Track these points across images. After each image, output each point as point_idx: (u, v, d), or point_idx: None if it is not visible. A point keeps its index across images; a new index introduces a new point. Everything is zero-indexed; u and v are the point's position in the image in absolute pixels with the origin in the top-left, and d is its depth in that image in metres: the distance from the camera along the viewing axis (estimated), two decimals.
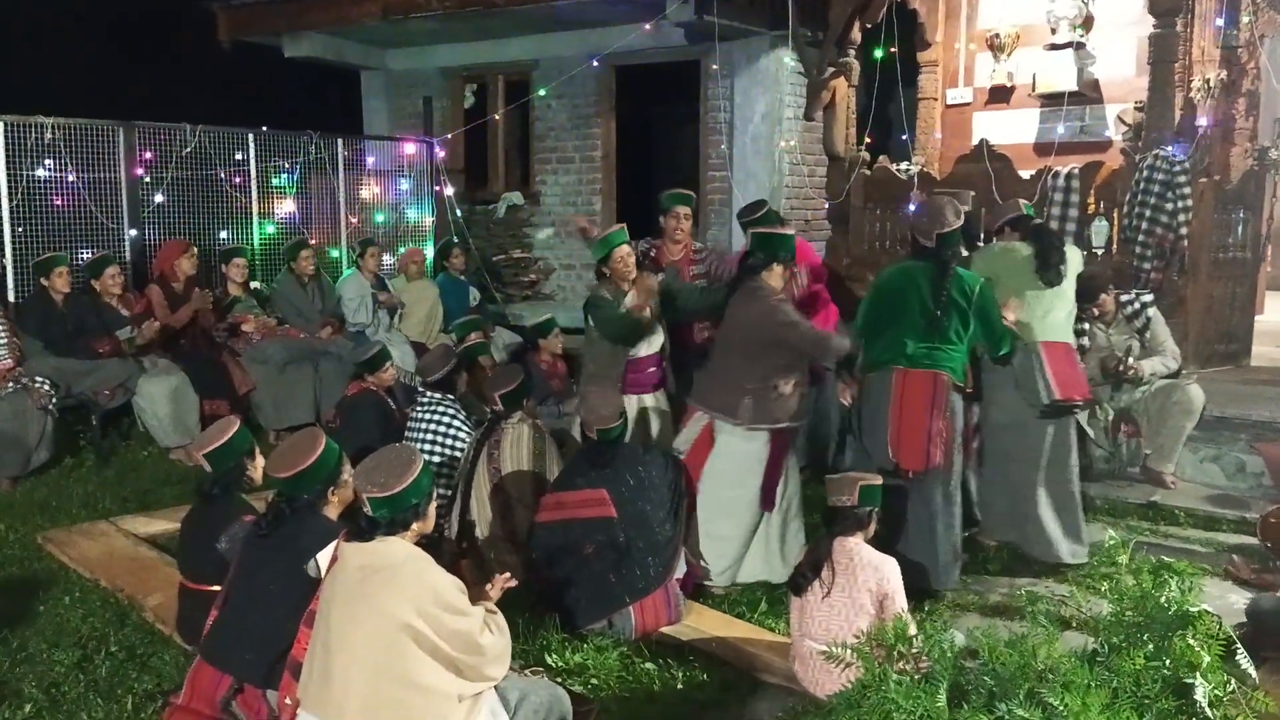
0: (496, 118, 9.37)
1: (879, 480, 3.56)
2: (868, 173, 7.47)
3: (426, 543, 2.72)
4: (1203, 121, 6.62)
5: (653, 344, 4.54)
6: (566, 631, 3.85)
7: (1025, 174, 6.96)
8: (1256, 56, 7.56)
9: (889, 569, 3.34)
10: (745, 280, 4.21)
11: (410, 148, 8.79)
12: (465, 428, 4.78)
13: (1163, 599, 2.63)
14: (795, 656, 3.47)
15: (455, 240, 8.19)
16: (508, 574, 2.88)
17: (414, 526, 2.66)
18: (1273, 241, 8.86)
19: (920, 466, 4.16)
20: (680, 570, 4.00)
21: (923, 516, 4.22)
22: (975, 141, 7.33)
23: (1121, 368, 5.51)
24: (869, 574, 3.33)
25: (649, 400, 4.61)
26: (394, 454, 2.71)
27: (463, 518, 4.36)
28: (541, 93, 9.25)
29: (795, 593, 3.41)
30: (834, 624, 3.30)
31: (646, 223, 5.76)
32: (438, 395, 4.90)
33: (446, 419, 4.83)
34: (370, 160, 8.38)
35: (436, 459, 4.73)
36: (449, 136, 9.18)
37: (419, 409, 4.92)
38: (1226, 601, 4.05)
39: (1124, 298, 5.79)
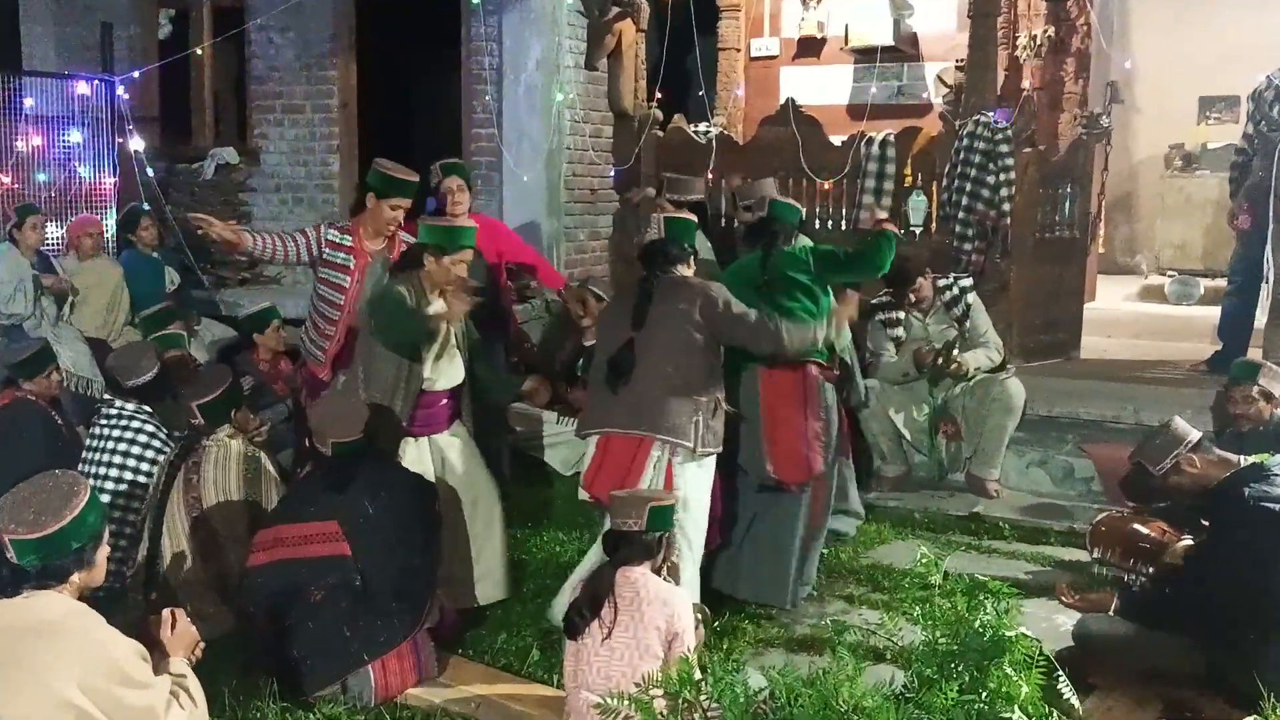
0: (200, 52, 9.11)
1: (672, 500, 3.63)
2: (660, 134, 7.60)
3: (103, 594, 2.64)
4: (1027, 84, 7.21)
5: (452, 376, 4.44)
6: (288, 700, 3.75)
7: (837, 140, 7.27)
8: (1086, 12, 8.08)
9: (679, 604, 3.40)
10: (660, 274, 4.23)
11: (84, 88, 8.51)
12: (165, 449, 4.69)
13: (978, 623, 2.81)
14: (570, 712, 3.48)
15: (145, 208, 7.96)
16: (192, 636, 2.73)
17: (75, 578, 2.56)
18: (1104, 220, 9.46)
19: (803, 478, 4.39)
20: (433, 618, 3.98)
21: (788, 528, 4.46)
22: (782, 101, 7.53)
23: (941, 361, 5.82)
24: (657, 610, 3.39)
25: (443, 439, 4.51)
26: (50, 483, 2.59)
27: (151, 561, 4.21)
28: (260, 23, 9.07)
29: (570, 636, 3.43)
30: (615, 670, 3.33)
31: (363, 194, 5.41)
32: (129, 407, 4.79)
33: (143, 437, 4.74)
34: (29, 103, 8.06)
35: (121, 487, 4.59)
36: (137, 75, 8.87)
37: (102, 423, 4.82)
38: (1053, 624, 4.24)
39: (941, 283, 6.08)
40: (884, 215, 4.85)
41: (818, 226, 6.95)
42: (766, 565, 4.53)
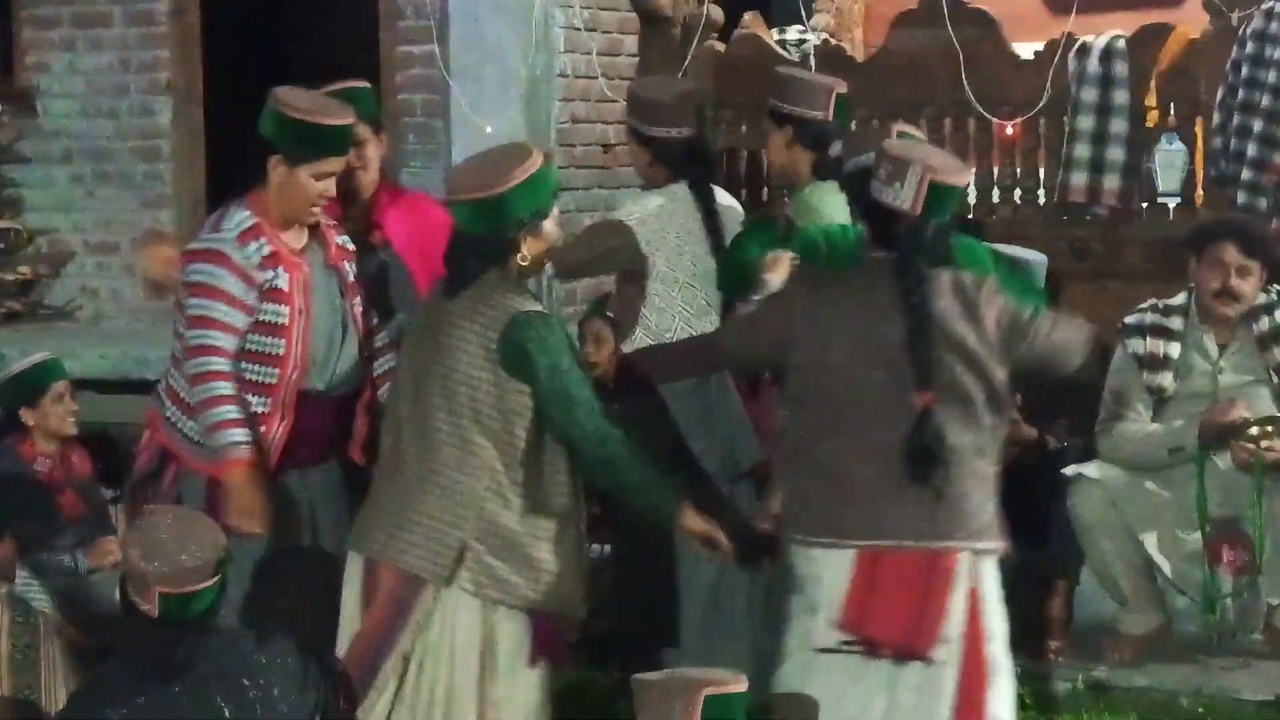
0: None
1: (740, 687, 3.68)
2: (719, 48, 6.95)
3: None
4: None
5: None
6: None
7: (1026, 50, 6.59)
8: None
9: None
10: (924, 271, 4.04)
11: None
12: None
13: None
14: None
15: None
16: None
17: None
18: None
19: None
20: None
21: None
22: None
23: (1260, 436, 5.15)
24: None
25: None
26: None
27: None
28: None
29: None
30: None
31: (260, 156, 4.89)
32: None
33: None
34: None
35: None
36: None
37: None
38: None
39: None
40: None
41: (994, 199, 6.41)
42: None
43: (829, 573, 4.04)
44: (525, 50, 7.34)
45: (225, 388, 4.26)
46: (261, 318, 4.35)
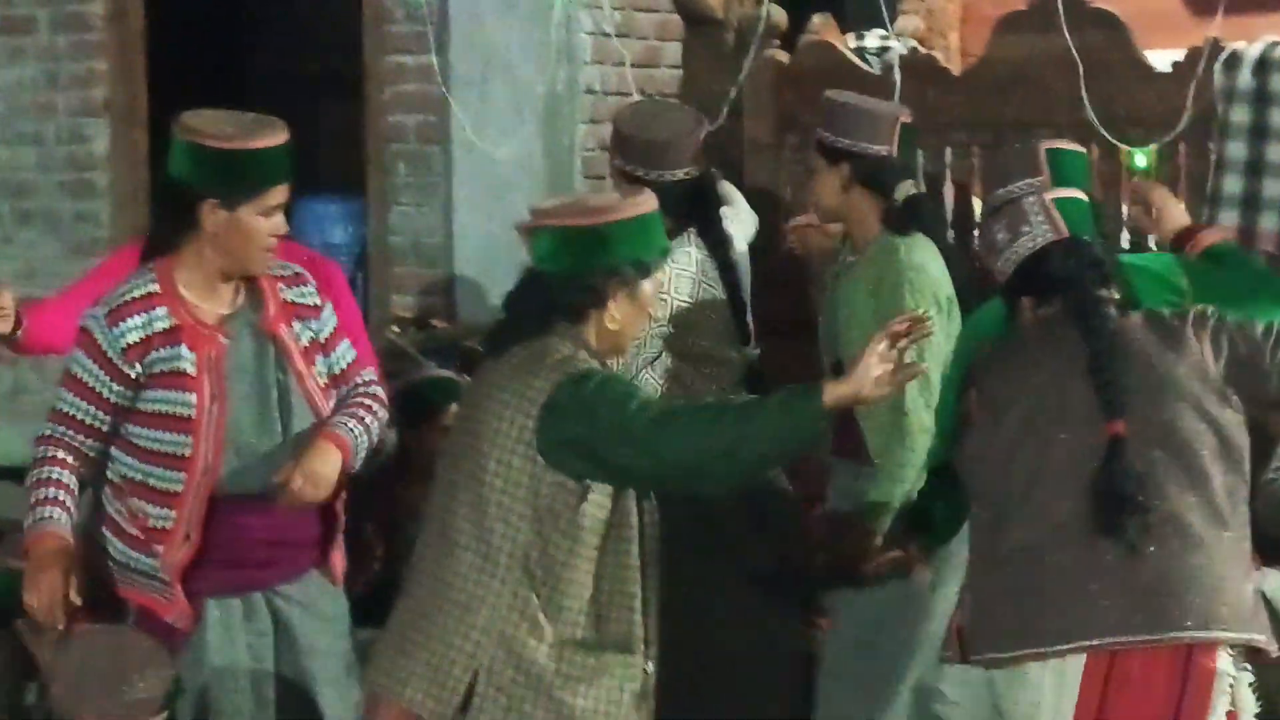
0: None
1: None
2: (782, 58, 6.69)
3: None
4: None
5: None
6: None
7: (1162, 57, 6.26)
8: None
9: None
10: (1098, 298, 4.14)
11: None
12: None
13: None
14: None
15: None
16: None
17: None
18: None
19: None
20: None
21: None
22: None
23: None
24: None
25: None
26: None
27: None
28: None
29: None
30: None
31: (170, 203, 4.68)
32: None
33: None
34: None
35: None
36: None
37: None
38: None
39: None
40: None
41: (1122, 243, 5.94)
42: None
43: (1047, 694, 3.82)
44: (543, 61, 7.01)
45: (54, 472, 4.23)
46: (157, 408, 4.14)
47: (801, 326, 5.61)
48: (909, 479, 4.56)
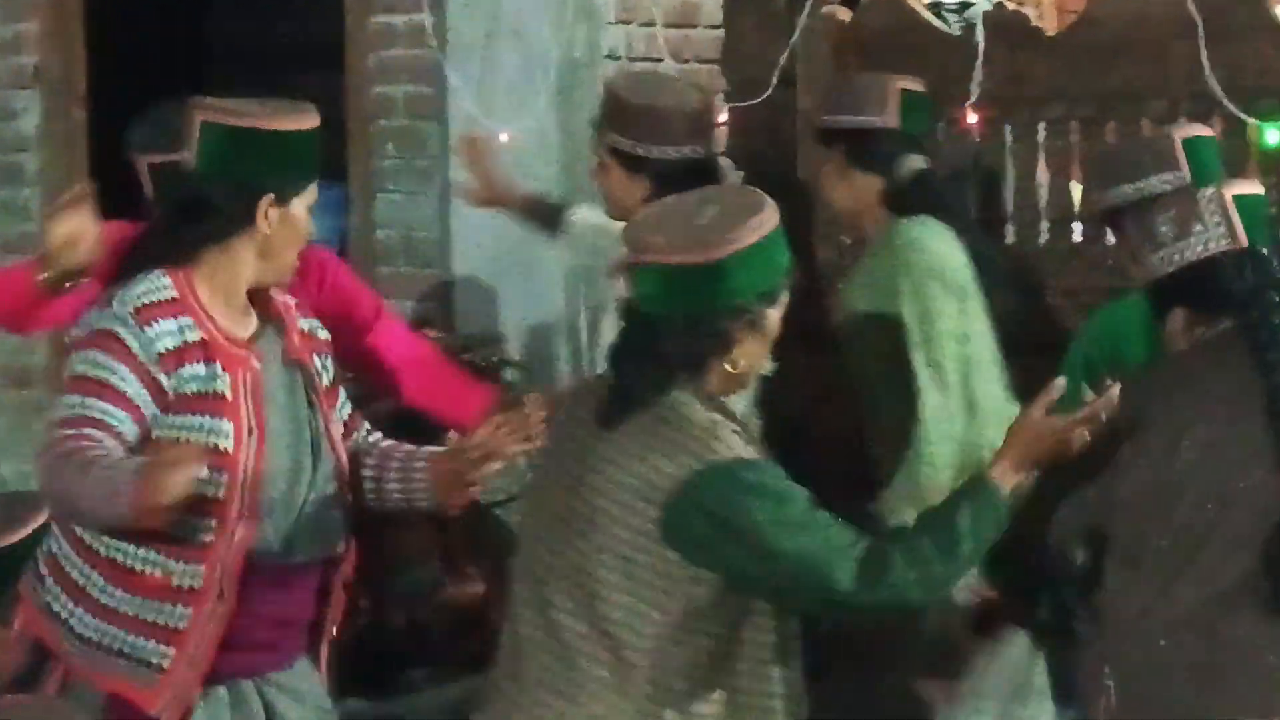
0: None
1: None
2: (843, 15, 6.61)
3: None
4: None
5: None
6: None
7: None
8: None
9: None
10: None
11: None
12: None
13: None
14: None
15: None
16: None
17: None
18: None
19: None
20: None
21: None
22: None
23: None
24: None
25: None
26: None
27: None
28: None
29: None
30: None
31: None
32: None
33: None
34: None
35: None
36: None
37: None
38: None
39: None
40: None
41: None
42: None
43: None
44: (558, 20, 6.74)
45: (97, 447, 3.77)
46: (186, 436, 3.80)
47: (811, 335, 5.12)
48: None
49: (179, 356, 3.82)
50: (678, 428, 3.35)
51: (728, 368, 3.40)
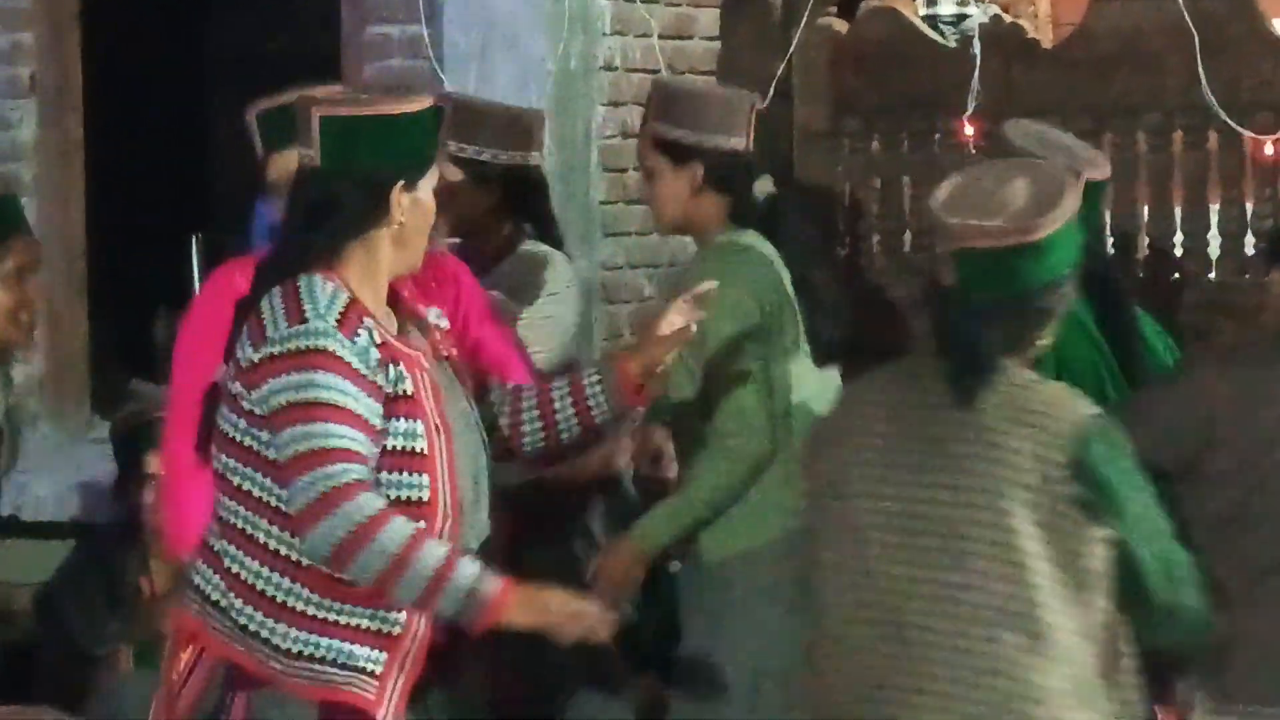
0: None
1: None
2: (839, 27, 6.75)
3: None
4: None
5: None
6: None
7: None
8: None
9: None
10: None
11: None
12: None
13: None
14: None
15: None
16: None
17: None
18: None
19: None
20: None
21: None
22: None
23: None
24: None
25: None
26: None
27: None
28: None
29: None
30: None
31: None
32: None
33: None
34: None
35: None
36: None
37: None
38: None
39: None
40: None
41: (1245, 247, 6.08)
42: None
43: None
44: (553, 31, 6.95)
45: (396, 519, 3.62)
46: (392, 443, 3.69)
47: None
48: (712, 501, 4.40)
49: (381, 362, 3.73)
50: (1040, 394, 3.41)
51: (1043, 341, 3.49)
